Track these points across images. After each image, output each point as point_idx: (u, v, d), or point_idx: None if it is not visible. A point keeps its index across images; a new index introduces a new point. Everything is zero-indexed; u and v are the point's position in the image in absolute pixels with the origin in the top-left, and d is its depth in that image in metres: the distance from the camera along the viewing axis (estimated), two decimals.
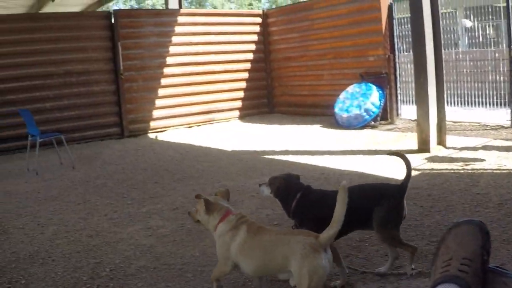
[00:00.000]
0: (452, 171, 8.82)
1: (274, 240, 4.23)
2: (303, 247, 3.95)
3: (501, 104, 13.17)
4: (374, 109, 13.96)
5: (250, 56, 18.33)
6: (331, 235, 3.98)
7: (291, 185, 5.09)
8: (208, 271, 5.38)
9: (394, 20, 14.42)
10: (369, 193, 4.90)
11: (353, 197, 4.42)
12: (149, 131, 16.24)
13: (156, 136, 15.62)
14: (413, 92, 13.50)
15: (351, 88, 14.74)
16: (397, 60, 14.50)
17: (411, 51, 13.42)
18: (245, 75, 18.26)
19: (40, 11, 15.33)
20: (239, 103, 18.09)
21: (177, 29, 16.78)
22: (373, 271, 4.98)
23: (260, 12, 19.05)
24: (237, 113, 18.02)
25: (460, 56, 14.38)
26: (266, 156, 11.29)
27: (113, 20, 15.70)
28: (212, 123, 17.24)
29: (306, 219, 4.90)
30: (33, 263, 6.09)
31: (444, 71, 10.61)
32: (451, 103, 13.82)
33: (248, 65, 18.30)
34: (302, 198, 4.92)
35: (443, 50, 10.73)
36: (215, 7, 29.87)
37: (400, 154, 5.14)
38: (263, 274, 4.57)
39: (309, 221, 4.83)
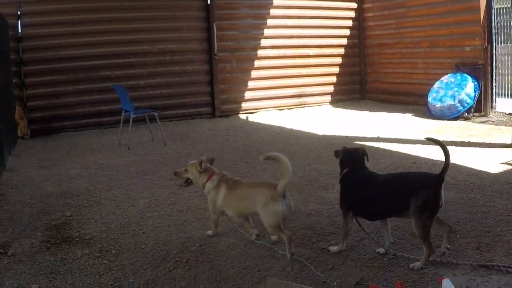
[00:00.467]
0: None
1: (245, 193, 5.59)
2: (265, 198, 5.24)
3: None
4: (469, 100, 13.48)
5: (344, 41, 18.05)
6: (284, 184, 5.19)
7: (347, 159, 5.31)
8: (297, 252, 5.27)
9: (492, 10, 13.81)
10: (406, 183, 4.94)
11: (391, 186, 5.00)
12: (240, 112, 16.28)
13: (247, 117, 15.61)
14: (510, 85, 13.01)
15: (446, 78, 14.27)
16: (494, 51, 13.90)
17: (509, 42, 12.90)
18: (338, 60, 18.00)
19: None
20: (331, 88, 17.87)
21: (272, 11, 16.69)
22: (465, 263, 4.77)
23: None
24: (328, 98, 17.80)
25: None
26: (358, 142, 11.03)
27: (209, 1, 15.74)
28: (303, 107, 17.10)
29: (341, 194, 5.31)
30: (124, 234, 6.13)
31: None
32: None
33: (341, 50, 18.04)
34: (347, 173, 5.26)
35: None
36: None
37: (439, 142, 5.03)
38: (243, 216, 5.81)
39: (341, 196, 5.30)
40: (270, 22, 16.66)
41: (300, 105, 17.18)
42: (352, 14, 18.09)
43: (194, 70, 15.86)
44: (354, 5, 18.10)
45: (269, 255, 5.30)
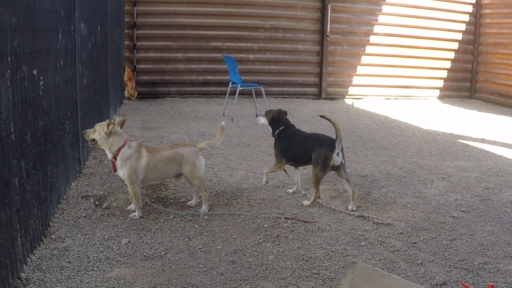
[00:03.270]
0: None
1: (170, 154, 5.84)
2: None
3: None
4: None
5: (458, 36, 17.41)
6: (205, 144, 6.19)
7: (281, 119, 6.84)
8: (387, 243, 5.22)
9: None
10: (312, 141, 6.46)
11: (304, 143, 6.49)
12: (346, 97, 16.16)
13: (352, 103, 15.46)
14: None
15: None
16: None
17: None
18: (451, 55, 17.43)
19: None
20: (439, 83, 17.37)
21: None
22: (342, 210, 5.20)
23: None
24: (436, 92, 17.33)
25: None
26: (461, 141, 10.72)
27: None
28: (410, 99, 16.73)
29: (277, 145, 6.69)
30: (218, 202, 6.28)
31: None
32: None
33: (455, 45, 17.46)
34: (282, 130, 6.72)
35: None
36: None
37: (331, 119, 6.52)
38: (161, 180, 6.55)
39: (277, 147, 6.68)
40: (385, 9, 16.34)
41: (407, 96, 16.83)
42: (469, 8, 17.46)
43: (304, 50, 15.86)
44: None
45: (359, 241, 5.27)
